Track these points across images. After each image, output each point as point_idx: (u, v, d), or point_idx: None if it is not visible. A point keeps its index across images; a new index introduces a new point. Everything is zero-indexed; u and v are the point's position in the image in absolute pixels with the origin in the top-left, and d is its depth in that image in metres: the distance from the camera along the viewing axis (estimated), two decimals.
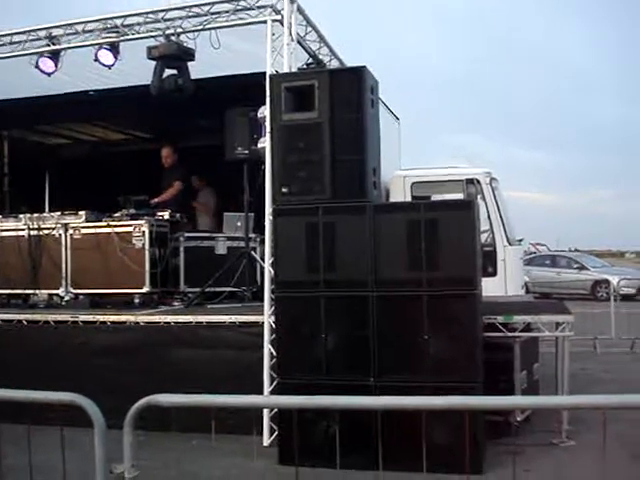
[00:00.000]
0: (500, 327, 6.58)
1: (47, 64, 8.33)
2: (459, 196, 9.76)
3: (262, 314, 6.90)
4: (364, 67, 6.12)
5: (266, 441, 6.62)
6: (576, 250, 40.80)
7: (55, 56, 8.29)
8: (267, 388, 6.64)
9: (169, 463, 4.85)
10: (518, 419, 6.67)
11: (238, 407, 4.71)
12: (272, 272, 6.68)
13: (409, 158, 12.09)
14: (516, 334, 6.72)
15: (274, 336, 6.57)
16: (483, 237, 8.86)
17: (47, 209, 11.74)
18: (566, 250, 37.22)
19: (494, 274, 9.63)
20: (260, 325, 6.92)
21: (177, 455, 4.74)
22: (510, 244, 10.00)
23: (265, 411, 6.54)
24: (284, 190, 6.20)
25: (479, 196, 9.62)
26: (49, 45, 8.28)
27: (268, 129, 6.57)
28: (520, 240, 10.97)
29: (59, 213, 8.91)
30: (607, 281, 19.70)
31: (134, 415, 2.61)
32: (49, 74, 8.43)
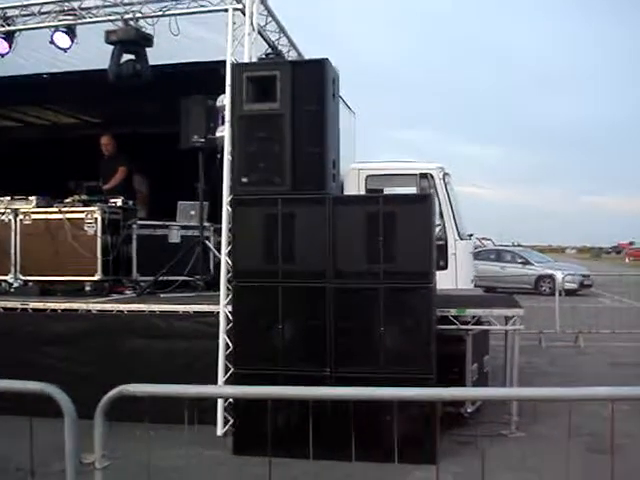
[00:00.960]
0: (453, 320, 6.69)
1: (1, 45, 8.13)
2: (412, 190, 9.87)
3: (217, 304, 6.89)
4: (326, 59, 6.13)
5: (220, 431, 6.62)
6: (519, 245, 41.59)
7: (9, 37, 8.10)
8: (221, 378, 6.63)
9: (125, 453, 4.81)
10: (469, 410, 6.81)
11: (209, 397, 4.71)
12: (229, 262, 6.67)
13: (360, 151, 12.18)
14: (468, 327, 6.85)
15: (229, 326, 6.57)
16: (435, 231, 8.98)
17: None
18: (509, 245, 37.88)
19: (445, 267, 9.78)
20: (215, 315, 6.90)
21: (132, 445, 4.69)
22: (461, 238, 10.16)
23: (219, 401, 6.53)
24: (244, 180, 6.18)
25: (432, 190, 9.73)
26: (3, 26, 8.09)
27: (228, 118, 6.55)
28: (470, 235, 11.15)
29: (9, 198, 8.71)
30: (551, 276, 20.13)
31: (106, 404, 2.60)
32: (2, 55, 8.24)
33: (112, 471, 2.77)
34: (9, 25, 8.08)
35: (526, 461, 5.46)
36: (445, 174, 10.28)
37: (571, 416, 2.95)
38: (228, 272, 6.72)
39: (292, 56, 8.76)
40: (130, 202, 9.21)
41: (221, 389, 3.03)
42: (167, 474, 5.32)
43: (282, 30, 8.33)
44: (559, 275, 17.14)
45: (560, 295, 13.48)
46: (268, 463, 2.76)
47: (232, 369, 6.35)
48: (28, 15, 8.00)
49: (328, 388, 3.71)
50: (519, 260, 25.78)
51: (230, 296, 6.53)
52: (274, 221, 6.06)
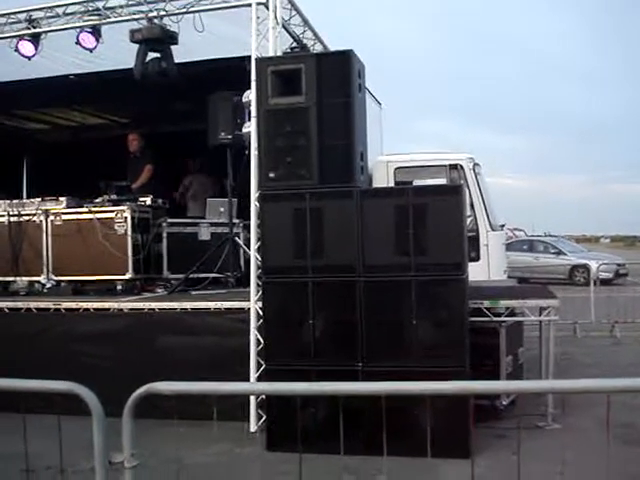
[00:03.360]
0: (486, 312, 6.60)
1: (27, 47, 8.17)
2: (442, 181, 9.75)
3: (248, 300, 6.87)
4: (351, 51, 6.06)
5: (253, 427, 6.60)
6: (551, 235, 41.12)
7: (35, 39, 8.14)
8: (253, 374, 6.62)
9: (156, 450, 4.80)
10: (504, 403, 6.72)
11: (239, 394, 4.68)
12: (258, 258, 6.64)
13: (387, 144, 12.09)
14: (502, 319, 6.75)
15: (260, 322, 6.54)
16: (467, 222, 8.87)
17: (25, 195, 11.59)
18: (542, 235, 37.49)
19: (477, 259, 9.65)
20: (246, 311, 6.89)
21: (163, 443, 4.69)
22: (493, 229, 10.02)
23: (252, 397, 6.51)
24: (271, 175, 6.15)
25: (462, 181, 9.60)
26: (29, 28, 8.15)
27: (253, 113, 6.51)
28: (502, 225, 11.00)
29: (39, 199, 8.78)
30: (585, 266, 19.82)
31: (134, 403, 2.57)
32: (29, 58, 8.28)
33: (142, 470, 2.74)
34: (35, 27, 8.12)
35: (561, 454, 5.36)
36: (475, 164, 10.13)
37: (602, 408, 2.86)
38: (258, 268, 6.69)
39: (317, 49, 8.69)
40: (159, 200, 9.24)
41: (250, 386, 3.01)
42: (197, 472, 5.32)
43: (306, 23, 8.27)
44: (593, 265, 16.90)
45: (595, 285, 13.27)
46: (299, 459, 2.70)
47: (264, 365, 6.33)
48: (53, 17, 8.04)
49: (355, 383, 3.65)
50: (552, 250, 25.44)
51: (260, 292, 6.50)
52: (302, 216, 6.01)
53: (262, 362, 6.41)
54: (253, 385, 2.83)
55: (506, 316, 6.77)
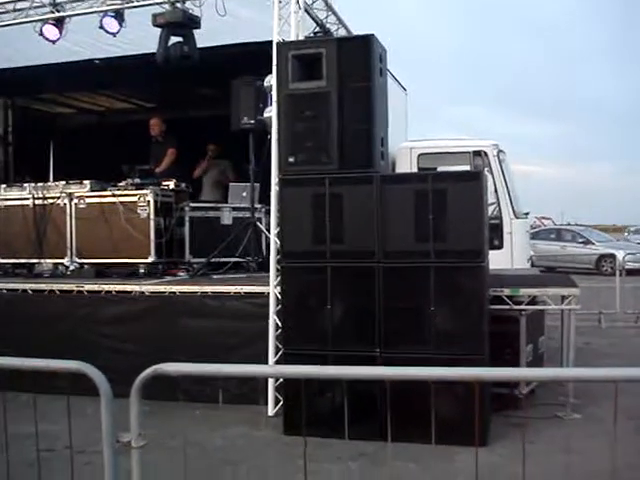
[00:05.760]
0: (506, 300, 6.55)
1: (51, 31, 8.22)
2: (466, 168, 9.67)
3: (268, 285, 6.88)
4: (372, 35, 6.02)
5: (271, 411, 6.63)
6: (580, 224, 40.72)
7: (59, 23, 8.18)
8: (272, 358, 6.64)
9: (174, 432, 4.85)
10: (523, 392, 6.67)
11: (245, 377, 4.71)
12: (278, 242, 6.65)
13: (412, 129, 11.99)
14: (522, 307, 6.69)
15: (279, 307, 6.55)
16: (490, 210, 8.79)
17: (51, 178, 11.70)
18: (571, 224, 37.14)
19: (500, 247, 9.58)
20: (266, 295, 6.90)
21: (182, 424, 4.74)
22: (517, 217, 9.94)
23: (270, 381, 6.54)
24: (290, 160, 6.14)
25: (486, 168, 9.52)
26: (53, 12, 8.18)
27: (275, 98, 6.49)
28: (526, 213, 10.89)
29: (64, 182, 8.86)
30: (612, 255, 19.61)
31: (141, 383, 2.58)
32: (53, 42, 8.33)
33: (159, 450, 2.76)
34: (59, 12, 8.16)
35: (579, 443, 5.32)
36: (500, 151, 10.04)
37: (624, 398, 2.81)
38: (278, 253, 6.69)
39: (341, 34, 8.63)
40: (183, 184, 9.28)
41: (255, 368, 3.00)
42: (213, 454, 5.37)
43: (330, 8, 8.21)
44: (620, 254, 16.72)
45: (621, 275, 13.12)
46: (304, 444, 2.70)
47: (282, 349, 6.34)
48: (77, 1, 8.08)
49: (367, 368, 3.64)
50: (580, 239, 25.18)
51: (279, 277, 6.51)
52: (322, 201, 5.99)
53: (280, 346, 6.42)
54: (258, 367, 2.84)
55: (527, 304, 6.71)
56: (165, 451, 4.13)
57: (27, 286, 8.01)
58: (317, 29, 8.04)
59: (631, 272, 16.99)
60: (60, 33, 8.22)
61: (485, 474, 3.22)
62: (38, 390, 3.04)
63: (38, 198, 8.82)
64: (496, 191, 9.76)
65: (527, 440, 5.40)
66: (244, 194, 9.29)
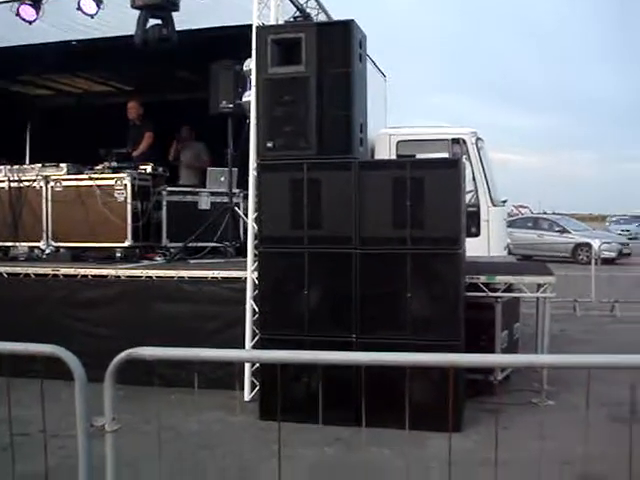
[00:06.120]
0: (482, 287, 6.60)
1: (28, 12, 8.14)
2: (445, 156, 9.69)
3: (245, 270, 6.87)
4: (352, 20, 6.00)
5: (247, 396, 6.64)
6: (557, 213, 41.02)
7: (36, 3, 8.08)
8: (249, 343, 6.65)
9: (149, 417, 4.84)
10: (498, 378, 6.74)
11: (221, 361, 4.71)
12: (255, 227, 6.63)
13: (393, 116, 11.99)
14: (498, 294, 6.75)
15: (257, 292, 6.55)
16: (467, 197, 8.82)
17: (27, 161, 11.57)
18: (548, 213, 37.39)
19: (477, 234, 9.63)
20: (243, 281, 6.89)
21: (157, 409, 4.73)
22: (494, 205, 9.98)
23: (247, 366, 6.55)
24: (269, 145, 6.12)
25: (464, 156, 9.54)
26: None
27: (253, 82, 6.46)
28: (504, 201, 10.95)
29: (40, 165, 8.78)
30: (588, 244, 19.76)
31: (115, 367, 2.58)
32: (30, 22, 8.24)
33: (135, 435, 2.75)
34: None
35: (552, 430, 5.38)
36: (478, 139, 10.06)
37: (597, 385, 2.85)
38: (255, 238, 6.68)
39: (321, 19, 8.59)
40: (160, 169, 9.22)
41: (228, 352, 3.00)
42: (188, 439, 5.37)
43: None
44: (596, 243, 16.85)
45: (596, 264, 13.24)
46: (278, 429, 2.71)
47: (259, 334, 6.34)
48: None
49: (340, 353, 3.65)
50: (556, 228, 25.37)
51: (257, 262, 6.50)
52: (299, 186, 5.99)
53: (257, 331, 6.42)
54: (230, 352, 2.83)
55: (503, 292, 6.77)
56: (139, 435, 4.13)
57: (2, 269, 7.93)
58: (297, 13, 7.98)
59: (606, 261, 17.19)
60: (37, 14, 8.12)
61: (459, 460, 3.24)
62: (12, 374, 3.01)
63: (14, 181, 8.74)
64: (474, 179, 9.78)
65: (501, 426, 5.41)
66: (222, 179, 9.26)
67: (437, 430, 5.05)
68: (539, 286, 6.76)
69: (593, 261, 13.35)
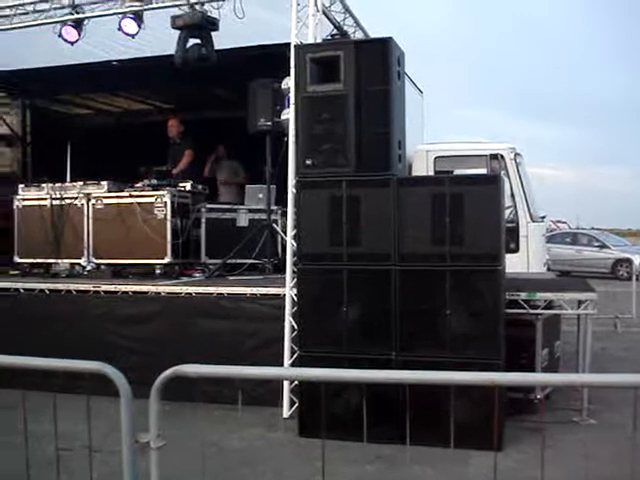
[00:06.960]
0: (523, 304, 6.53)
1: (70, 33, 8.27)
2: (482, 171, 9.67)
3: (283, 286, 6.89)
4: (390, 38, 6.02)
5: (286, 413, 6.64)
6: (596, 228, 40.44)
7: (78, 25, 8.23)
8: (287, 360, 6.65)
9: (192, 433, 4.87)
10: (538, 396, 6.65)
11: (263, 379, 4.72)
12: (294, 245, 6.66)
13: (428, 132, 12.02)
14: (538, 311, 6.67)
15: (295, 309, 6.56)
16: (506, 213, 8.77)
17: (68, 179, 11.77)
18: (586, 228, 36.90)
19: (516, 250, 9.57)
20: (281, 297, 6.91)
21: (201, 425, 4.76)
22: (533, 220, 9.92)
23: (285, 383, 6.55)
24: (308, 162, 6.14)
25: (503, 172, 9.51)
26: (72, 14, 8.22)
27: (292, 100, 6.51)
28: (543, 217, 10.87)
29: (81, 183, 8.92)
30: (628, 260, 19.47)
31: (161, 384, 2.60)
32: (72, 43, 8.39)
33: (176, 451, 2.77)
34: (78, 13, 8.21)
35: (595, 449, 5.29)
36: (516, 154, 10.03)
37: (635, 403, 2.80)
38: (294, 255, 6.71)
39: (358, 37, 8.64)
40: (199, 186, 9.32)
41: (272, 370, 3.01)
42: (229, 455, 5.38)
43: (347, 10, 8.23)
44: (636, 259, 16.61)
45: (637, 280, 13.01)
46: (322, 446, 2.71)
47: (297, 351, 6.35)
48: (96, 2, 8.13)
49: (383, 372, 3.63)
50: (596, 243, 25.01)
51: (296, 279, 6.52)
52: (338, 203, 6.00)
53: (296, 349, 6.43)
54: (272, 370, 2.85)
55: (543, 309, 6.69)
56: (183, 452, 4.15)
57: (44, 286, 8.05)
58: (335, 31, 8.05)
59: None
60: (79, 34, 8.27)
61: (503, 479, 3.20)
62: (60, 390, 3.06)
63: (56, 198, 8.88)
64: (513, 194, 9.75)
65: (543, 445, 5.39)
66: (260, 196, 9.33)
67: (478, 448, 5.00)
68: (580, 303, 6.67)
69: (634, 277, 13.13)
